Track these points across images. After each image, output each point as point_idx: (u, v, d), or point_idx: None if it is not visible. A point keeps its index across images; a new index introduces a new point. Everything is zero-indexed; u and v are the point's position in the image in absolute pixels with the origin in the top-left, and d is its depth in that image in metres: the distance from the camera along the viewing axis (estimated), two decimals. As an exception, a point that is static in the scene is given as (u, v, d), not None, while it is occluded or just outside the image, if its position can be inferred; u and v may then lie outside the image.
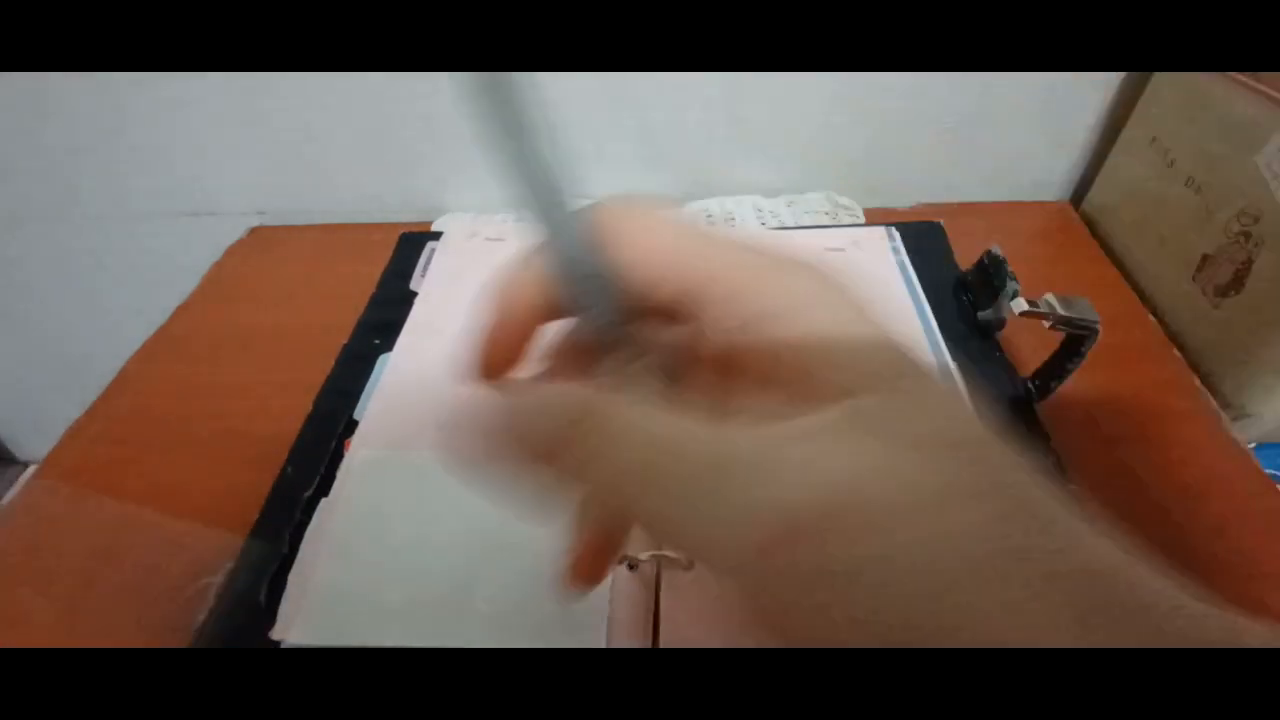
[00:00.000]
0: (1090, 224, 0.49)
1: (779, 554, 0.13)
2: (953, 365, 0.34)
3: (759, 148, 0.50)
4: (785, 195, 0.51)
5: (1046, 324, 0.30)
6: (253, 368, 0.39)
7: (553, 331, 0.18)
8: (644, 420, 0.14)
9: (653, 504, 0.14)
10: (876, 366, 0.15)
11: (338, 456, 0.32)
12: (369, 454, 0.32)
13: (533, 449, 0.15)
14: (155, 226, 0.55)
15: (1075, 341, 0.31)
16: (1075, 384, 0.32)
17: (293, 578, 0.27)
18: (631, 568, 0.26)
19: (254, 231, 0.51)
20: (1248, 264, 0.35)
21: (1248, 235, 0.36)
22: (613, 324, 0.17)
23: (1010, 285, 0.35)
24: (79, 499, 0.32)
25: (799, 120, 0.49)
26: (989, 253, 0.37)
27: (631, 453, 0.14)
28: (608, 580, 0.26)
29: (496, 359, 0.18)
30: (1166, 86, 0.43)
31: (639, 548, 0.27)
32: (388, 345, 0.37)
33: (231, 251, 0.50)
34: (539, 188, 0.16)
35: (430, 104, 0.48)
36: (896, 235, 0.43)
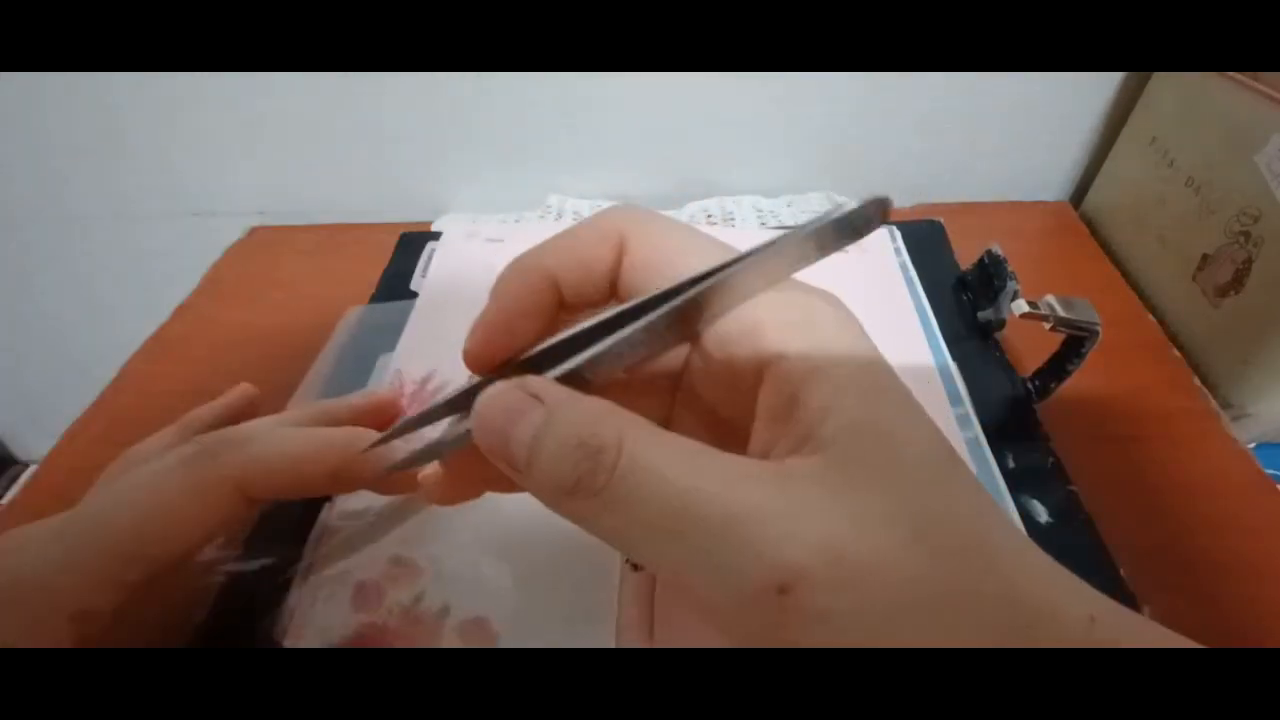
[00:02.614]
0: (1090, 224, 0.49)
1: (766, 607, 0.13)
2: (952, 365, 0.34)
3: (759, 148, 0.50)
4: (785, 195, 0.51)
5: (1047, 326, 0.30)
6: (253, 368, 0.39)
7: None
8: (661, 464, 0.14)
9: (660, 559, 0.14)
10: (871, 415, 0.14)
11: None
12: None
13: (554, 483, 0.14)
14: (155, 226, 0.55)
15: (1076, 343, 0.30)
16: (1075, 384, 0.32)
17: (296, 578, 0.27)
18: (636, 567, 0.26)
19: (254, 231, 0.51)
20: (1248, 264, 0.35)
21: (1248, 235, 0.36)
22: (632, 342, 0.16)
23: (1010, 285, 0.35)
24: (80, 498, 0.32)
25: (798, 120, 0.49)
26: (989, 252, 0.37)
27: (647, 509, 0.13)
28: (616, 579, 0.26)
29: (497, 349, 0.18)
30: (1166, 86, 0.43)
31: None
32: (388, 345, 0.37)
33: (231, 251, 0.50)
34: None
35: (430, 104, 0.48)
36: (897, 234, 0.43)
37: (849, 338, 0.15)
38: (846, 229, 0.15)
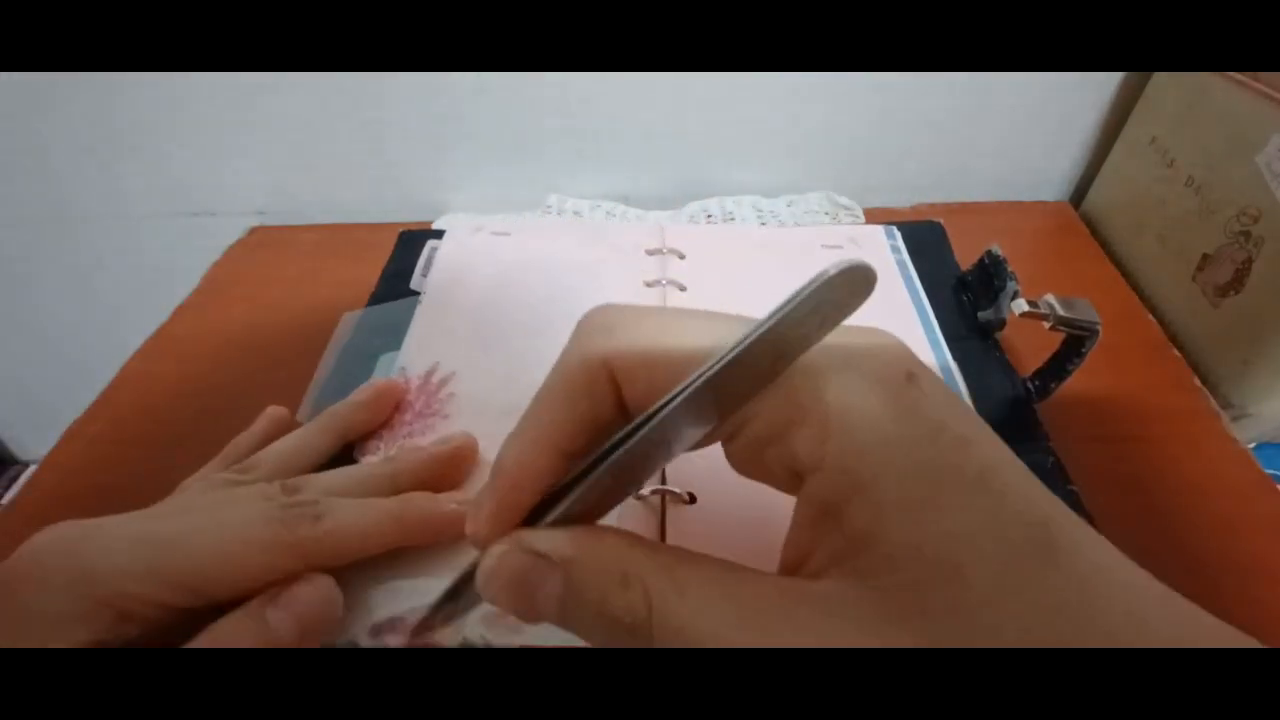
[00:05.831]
0: (1090, 224, 0.49)
1: None
2: (953, 365, 0.34)
3: (759, 148, 0.50)
4: (785, 195, 0.51)
5: (1047, 325, 0.30)
6: (253, 367, 0.39)
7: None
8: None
9: None
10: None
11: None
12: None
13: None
14: (155, 226, 0.55)
15: (1076, 342, 0.30)
16: (1074, 383, 0.32)
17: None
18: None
19: (254, 231, 0.51)
20: (1248, 264, 0.35)
21: (1248, 235, 0.36)
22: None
23: (1010, 285, 0.35)
24: (80, 498, 0.32)
25: (799, 120, 0.49)
26: (989, 252, 0.37)
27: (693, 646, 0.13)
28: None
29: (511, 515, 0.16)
30: (1166, 86, 0.43)
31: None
32: (390, 344, 0.37)
33: (231, 251, 0.50)
34: None
35: (430, 104, 0.48)
36: (897, 234, 0.43)
37: (892, 425, 0.13)
38: (841, 289, 0.13)
